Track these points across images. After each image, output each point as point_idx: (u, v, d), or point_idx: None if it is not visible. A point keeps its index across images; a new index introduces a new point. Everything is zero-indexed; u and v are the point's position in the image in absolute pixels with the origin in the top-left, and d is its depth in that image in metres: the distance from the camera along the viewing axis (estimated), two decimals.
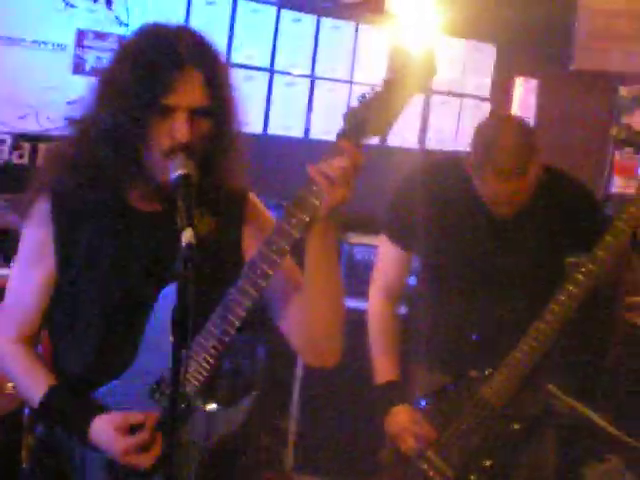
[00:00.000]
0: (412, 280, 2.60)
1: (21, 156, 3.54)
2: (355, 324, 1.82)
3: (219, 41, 1.74)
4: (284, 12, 4.14)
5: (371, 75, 4.32)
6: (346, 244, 3.77)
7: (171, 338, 1.44)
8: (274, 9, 4.08)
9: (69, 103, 3.39)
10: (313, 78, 4.27)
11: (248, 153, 1.77)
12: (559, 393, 2.47)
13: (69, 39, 3.56)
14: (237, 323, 1.65)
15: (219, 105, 1.67)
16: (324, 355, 1.78)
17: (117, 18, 3.62)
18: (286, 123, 4.22)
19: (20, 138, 3.54)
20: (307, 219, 1.58)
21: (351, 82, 4.34)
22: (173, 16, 1.79)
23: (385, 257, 2.52)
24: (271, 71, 4.16)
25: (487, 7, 4.38)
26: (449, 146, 4.65)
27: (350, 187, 1.56)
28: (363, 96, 1.55)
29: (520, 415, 2.33)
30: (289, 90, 4.21)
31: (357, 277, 3.53)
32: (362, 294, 2.58)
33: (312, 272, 1.67)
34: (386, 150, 3.64)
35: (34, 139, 3.54)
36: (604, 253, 2.21)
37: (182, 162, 1.59)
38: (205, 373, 1.67)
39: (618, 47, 4.70)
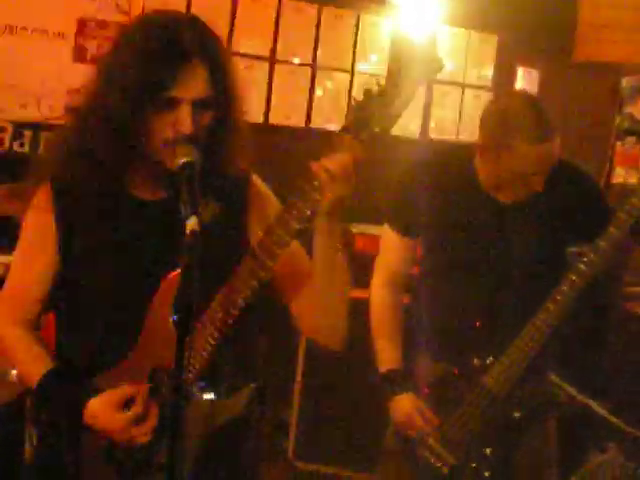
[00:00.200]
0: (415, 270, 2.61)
1: (22, 144, 3.54)
2: (355, 314, 1.83)
3: (220, 30, 1.74)
4: (285, 1, 4.13)
5: (372, 65, 4.32)
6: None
7: (173, 325, 1.43)
8: None
9: (70, 92, 3.39)
10: (314, 68, 4.27)
11: (250, 140, 1.77)
12: (560, 382, 2.47)
13: (70, 27, 3.56)
14: (235, 312, 1.64)
15: (222, 95, 1.66)
16: (328, 339, 1.82)
17: (118, 6, 3.62)
18: (287, 112, 4.22)
19: (21, 126, 3.54)
20: (308, 212, 1.58)
21: (352, 72, 4.34)
22: (174, 4, 1.78)
23: (387, 246, 2.52)
24: (272, 60, 4.16)
25: None
26: (451, 136, 4.64)
27: (352, 182, 1.56)
28: (368, 90, 1.54)
29: (521, 404, 2.34)
30: (290, 79, 4.21)
31: (359, 267, 3.52)
32: (364, 284, 2.58)
33: (318, 265, 1.69)
34: (388, 140, 3.64)
35: (35, 127, 3.54)
36: (606, 244, 2.21)
37: (185, 150, 1.59)
38: (206, 356, 1.67)
39: (620, 38, 4.69)
